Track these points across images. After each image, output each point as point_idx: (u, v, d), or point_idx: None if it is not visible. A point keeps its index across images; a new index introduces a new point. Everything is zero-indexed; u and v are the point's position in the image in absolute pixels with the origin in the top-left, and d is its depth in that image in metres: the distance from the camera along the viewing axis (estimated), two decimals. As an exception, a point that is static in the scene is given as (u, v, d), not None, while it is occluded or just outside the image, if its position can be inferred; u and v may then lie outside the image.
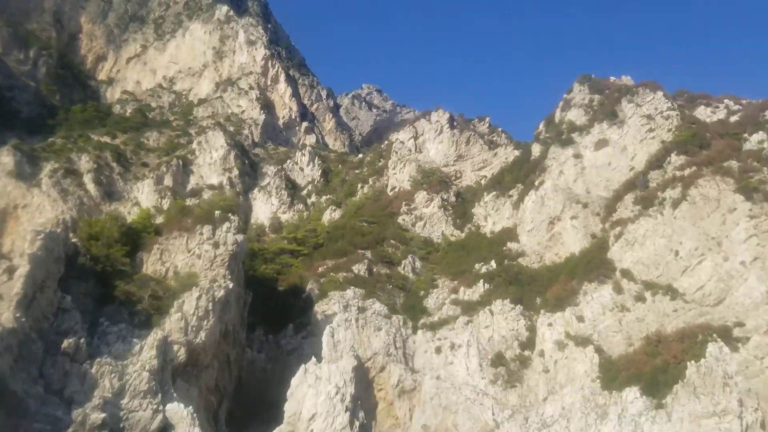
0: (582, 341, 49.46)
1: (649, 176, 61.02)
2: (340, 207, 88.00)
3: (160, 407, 33.85)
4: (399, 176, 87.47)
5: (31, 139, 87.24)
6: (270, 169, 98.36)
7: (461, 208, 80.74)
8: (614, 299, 51.54)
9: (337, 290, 58.85)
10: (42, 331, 32.55)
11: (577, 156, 68.79)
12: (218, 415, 41.25)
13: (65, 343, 33.24)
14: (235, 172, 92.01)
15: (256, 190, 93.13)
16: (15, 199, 71.68)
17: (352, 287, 59.46)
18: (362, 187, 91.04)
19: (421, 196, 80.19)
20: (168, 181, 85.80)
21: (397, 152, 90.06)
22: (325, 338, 41.12)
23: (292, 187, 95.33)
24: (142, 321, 38.39)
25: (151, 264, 42.97)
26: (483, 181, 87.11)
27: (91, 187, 78.10)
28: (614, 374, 45.77)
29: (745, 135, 61.78)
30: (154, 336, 36.38)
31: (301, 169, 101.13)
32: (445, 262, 68.10)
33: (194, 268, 42.61)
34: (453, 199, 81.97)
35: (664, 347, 44.98)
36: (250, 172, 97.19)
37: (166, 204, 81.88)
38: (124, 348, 35.74)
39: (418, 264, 69.31)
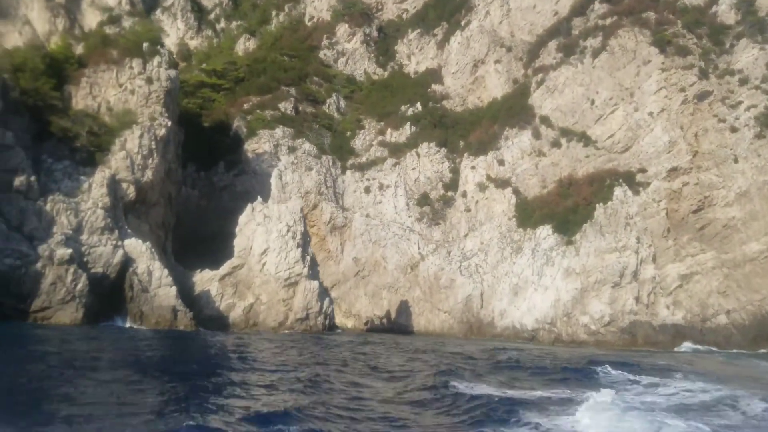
0: (501, 183, 56.06)
1: (573, 23, 64.98)
2: (255, 36, 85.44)
3: (119, 242, 36.11)
4: (317, 5, 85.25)
5: None
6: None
7: (383, 44, 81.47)
8: (532, 144, 57.75)
9: (265, 129, 60.47)
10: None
11: (505, -4, 70.82)
12: (166, 249, 44.17)
13: (17, 181, 33.73)
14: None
15: (158, 12, 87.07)
16: None
17: (281, 126, 61.29)
18: (277, 15, 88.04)
19: (342, 29, 79.58)
20: (57, -4, 78.61)
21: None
22: (274, 180, 44.00)
23: (198, 10, 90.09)
24: (84, 158, 38.81)
25: (81, 99, 42.11)
26: (405, 15, 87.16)
27: (-34, -1, 70.10)
28: (529, 214, 53.20)
29: (663, -15, 66.25)
30: (102, 174, 37.40)
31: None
32: (370, 102, 70.59)
33: (128, 104, 42.40)
34: (375, 34, 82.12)
35: (575, 190, 52.43)
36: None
37: (60, 24, 75.84)
38: (73, 185, 36.66)
39: (342, 103, 71.29)
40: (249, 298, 41.11)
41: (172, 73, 44.19)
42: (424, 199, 58.59)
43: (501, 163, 57.25)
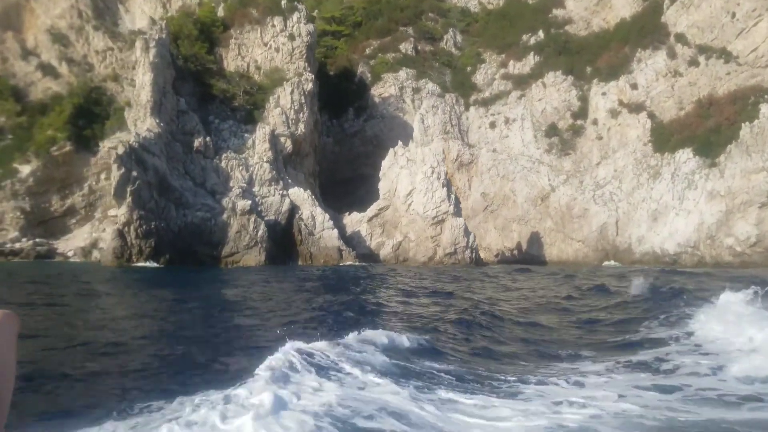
0: (635, 108, 55.42)
1: (709, -70, 61.01)
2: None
3: (284, 192, 40.52)
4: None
5: None
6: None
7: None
8: (668, 65, 56.20)
9: (389, 72, 62.76)
10: (173, 133, 37.64)
11: None
12: (316, 195, 48.44)
13: (196, 142, 38.61)
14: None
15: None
16: (24, -11, 71.35)
17: (404, 68, 63.30)
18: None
19: (453, -40, 78.98)
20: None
21: None
22: (416, 124, 46.44)
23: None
24: (243, 116, 43.25)
25: (231, 60, 46.32)
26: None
27: (98, -31, 76.46)
28: (666, 137, 52.61)
29: None
30: (263, 130, 41.60)
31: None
32: (489, 34, 70.62)
33: (274, 62, 46.12)
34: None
35: (716, 110, 51.07)
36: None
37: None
38: (239, 143, 41.22)
39: (459, 38, 71.87)
40: (397, 237, 44.70)
41: (311, 27, 47.21)
42: (552, 130, 59.13)
43: (634, 87, 56.39)
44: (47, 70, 69.17)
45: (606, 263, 50.38)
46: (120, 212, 32.00)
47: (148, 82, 36.16)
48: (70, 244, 59.37)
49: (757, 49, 53.12)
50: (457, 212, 43.96)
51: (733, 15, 54.83)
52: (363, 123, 61.44)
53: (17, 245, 57.38)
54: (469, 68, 67.32)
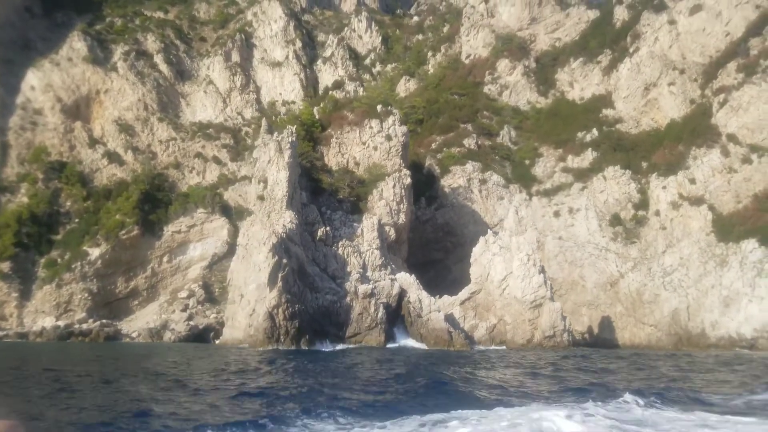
0: (695, 201, 60.16)
1: (750, 43, 68.02)
2: (414, 77, 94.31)
3: (393, 276, 44.40)
4: (473, 43, 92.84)
5: (81, 18, 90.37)
6: (330, 38, 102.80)
7: (542, 74, 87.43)
8: (722, 162, 61.43)
9: (457, 165, 68.21)
10: (300, 224, 42.03)
11: (672, 22, 74.90)
12: (409, 280, 52.27)
13: (319, 232, 42.93)
14: (298, 44, 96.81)
15: (320, 62, 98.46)
16: (96, 84, 78.29)
17: (470, 161, 68.79)
18: (434, 56, 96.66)
19: (503, 65, 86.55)
20: (235, 57, 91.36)
21: (468, 18, 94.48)
22: (511, 215, 50.83)
23: (354, 57, 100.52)
24: (349, 207, 47.86)
25: (332, 156, 51.54)
26: (557, 44, 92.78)
27: (163, 67, 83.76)
28: (728, 228, 56.95)
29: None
30: (371, 220, 46.05)
31: (360, 37, 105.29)
32: (542, 131, 76.67)
33: (372, 158, 51.31)
34: (533, 65, 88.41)
35: (775, 203, 55.68)
36: (308, 42, 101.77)
37: (238, 81, 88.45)
38: (349, 231, 45.53)
39: (513, 134, 77.93)
40: (491, 319, 48.11)
41: (404, 129, 52.71)
42: (615, 220, 63.65)
43: (692, 181, 61.36)
44: (113, 157, 74.59)
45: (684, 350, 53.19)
46: (271, 296, 35.69)
47: (283, 179, 40.88)
48: (133, 326, 62.40)
49: (807, 147, 58.39)
50: (552, 297, 47.59)
51: (781, 117, 60.54)
52: (434, 211, 66.16)
53: (84, 326, 60.37)
54: (527, 161, 72.84)
